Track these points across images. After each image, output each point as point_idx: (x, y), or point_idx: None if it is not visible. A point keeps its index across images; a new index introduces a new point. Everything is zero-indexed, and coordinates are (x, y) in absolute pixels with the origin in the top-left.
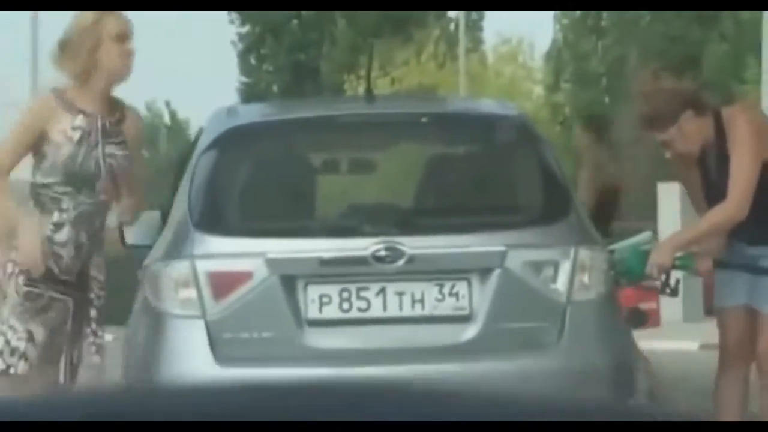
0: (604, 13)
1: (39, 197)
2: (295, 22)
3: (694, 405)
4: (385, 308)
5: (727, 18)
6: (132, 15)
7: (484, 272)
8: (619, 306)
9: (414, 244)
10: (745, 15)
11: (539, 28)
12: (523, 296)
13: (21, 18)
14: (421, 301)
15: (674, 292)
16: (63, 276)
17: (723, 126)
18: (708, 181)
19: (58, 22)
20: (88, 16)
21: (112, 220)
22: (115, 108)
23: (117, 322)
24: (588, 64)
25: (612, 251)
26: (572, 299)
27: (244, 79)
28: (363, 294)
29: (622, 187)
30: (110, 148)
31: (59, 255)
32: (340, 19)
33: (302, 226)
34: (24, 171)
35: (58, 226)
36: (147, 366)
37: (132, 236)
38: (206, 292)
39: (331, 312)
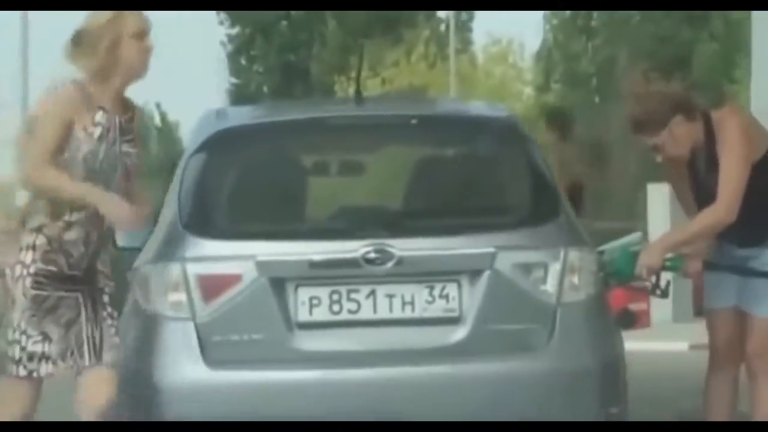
0: (594, 14)
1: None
2: (284, 23)
3: (684, 405)
4: (375, 310)
5: (717, 18)
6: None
7: (474, 274)
8: (608, 307)
9: (404, 246)
10: (735, 15)
11: (529, 29)
12: (513, 298)
13: (11, 18)
14: (412, 303)
15: (664, 294)
16: (71, 273)
17: (712, 129)
18: (697, 183)
19: (48, 21)
20: (106, 12)
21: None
22: (128, 106)
23: None
24: (578, 64)
25: (602, 252)
26: (562, 301)
27: (234, 81)
28: (353, 296)
29: (585, 184)
30: (126, 147)
31: (69, 253)
32: (330, 19)
33: (292, 229)
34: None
35: (69, 224)
36: (137, 369)
37: (122, 238)
38: (196, 295)
39: (322, 314)
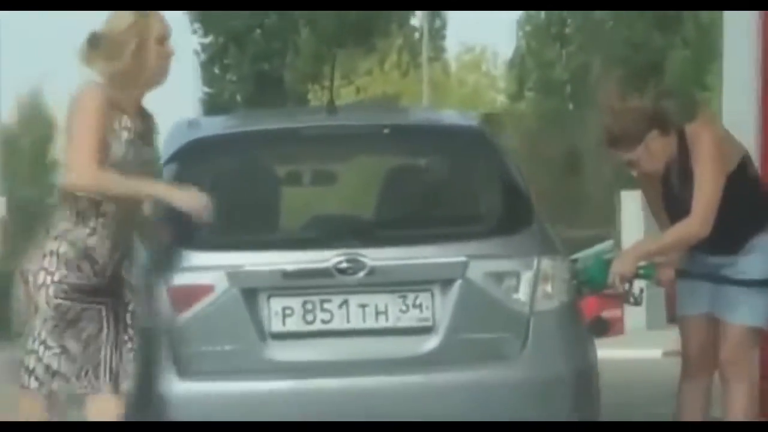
0: (568, 20)
1: (76, 200)
2: (258, 31)
3: (658, 412)
4: (348, 320)
5: (689, 23)
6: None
7: (447, 283)
8: (581, 315)
9: (376, 256)
10: (707, 21)
11: (502, 36)
12: (486, 307)
13: None
14: (385, 312)
15: (638, 301)
16: (95, 281)
17: (686, 142)
18: (671, 196)
19: (18, 21)
20: (129, 14)
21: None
22: (145, 113)
23: None
24: (551, 71)
25: (574, 260)
26: (535, 309)
27: (207, 90)
28: (326, 306)
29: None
30: (147, 151)
31: (94, 260)
32: (303, 28)
33: (264, 239)
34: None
35: (93, 230)
36: None
37: None
38: (167, 306)
39: (294, 324)
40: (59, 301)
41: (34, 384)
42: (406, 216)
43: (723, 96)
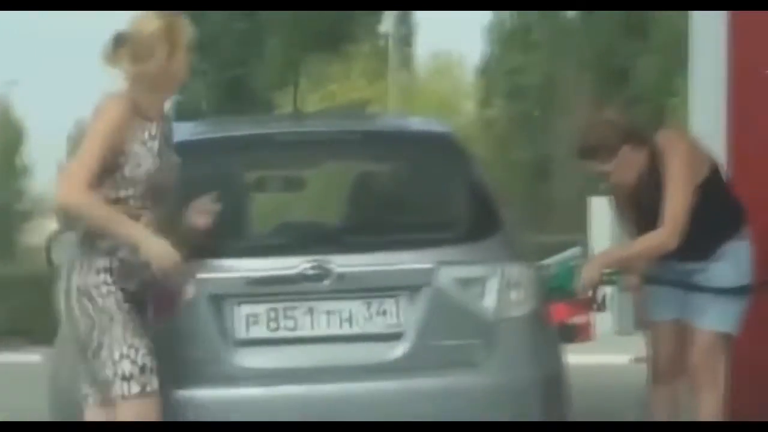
0: (535, 27)
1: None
2: (226, 39)
3: (628, 418)
4: (313, 327)
5: (657, 29)
6: (64, 33)
7: (413, 290)
8: (549, 321)
9: (343, 263)
10: (675, 27)
11: (470, 43)
12: (453, 313)
13: None
14: (350, 319)
15: (602, 307)
16: (141, 288)
17: (657, 153)
18: (642, 206)
19: None
20: (159, 16)
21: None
22: (165, 116)
23: (45, 343)
24: (520, 78)
25: (542, 267)
26: (502, 316)
27: (176, 97)
28: (291, 313)
29: None
30: (174, 156)
31: (141, 275)
32: (270, 36)
33: (231, 246)
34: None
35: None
36: (73, 388)
37: (59, 257)
38: None
39: (259, 332)
40: (129, 303)
41: (135, 389)
42: (374, 222)
43: (690, 102)
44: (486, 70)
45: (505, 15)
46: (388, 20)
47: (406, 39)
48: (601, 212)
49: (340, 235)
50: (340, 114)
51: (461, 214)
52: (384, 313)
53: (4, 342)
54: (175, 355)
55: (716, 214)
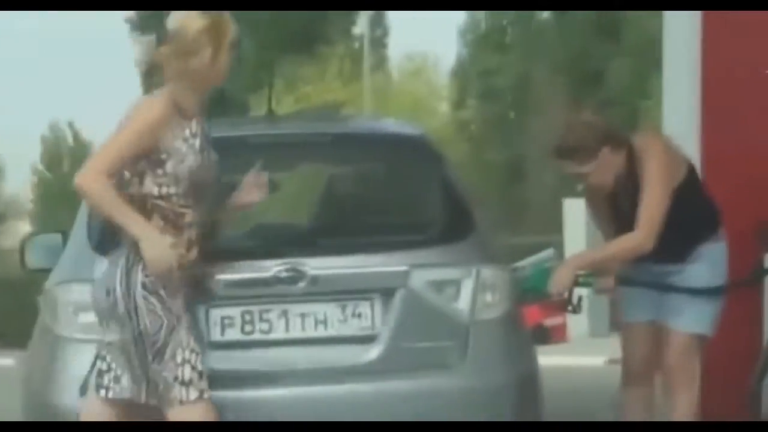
0: (509, 29)
1: (162, 210)
2: None
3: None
4: (287, 330)
5: (630, 32)
6: (33, 36)
7: (387, 292)
8: (523, 324)
9: (317, 265)
10: (648, 30)
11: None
12: (427, 316)
13: None
14: (324, 322)
15: (576, 309)
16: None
17: (634, 156)
18: (617, 208)
19: None
20: (205, 14)
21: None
22: (203, 112)
23: (18, 346)
24: (494, 80)
25: (516, 269)
26: (475, 318)
27: None
28: (265, 316)
29: None
30: (213, 155)
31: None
32: (243, 37)
33: (205, 248)
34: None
35: (191, 243)
36: (46, 391)
37: (32, 259)
38: None
39: (234, 334)
40: (190, 306)
41: (194, 394)
42: (348, 225)
43: (664, 103)
44: (460, 72)
45: (480, 16)
46: (362, 22)
47: (380, 41)
48: (575, 214)
49: (314, 237)
50: (314, 116)
51: (435, 217)
52: (358, 315)
53: None
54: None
55: (692, 215)
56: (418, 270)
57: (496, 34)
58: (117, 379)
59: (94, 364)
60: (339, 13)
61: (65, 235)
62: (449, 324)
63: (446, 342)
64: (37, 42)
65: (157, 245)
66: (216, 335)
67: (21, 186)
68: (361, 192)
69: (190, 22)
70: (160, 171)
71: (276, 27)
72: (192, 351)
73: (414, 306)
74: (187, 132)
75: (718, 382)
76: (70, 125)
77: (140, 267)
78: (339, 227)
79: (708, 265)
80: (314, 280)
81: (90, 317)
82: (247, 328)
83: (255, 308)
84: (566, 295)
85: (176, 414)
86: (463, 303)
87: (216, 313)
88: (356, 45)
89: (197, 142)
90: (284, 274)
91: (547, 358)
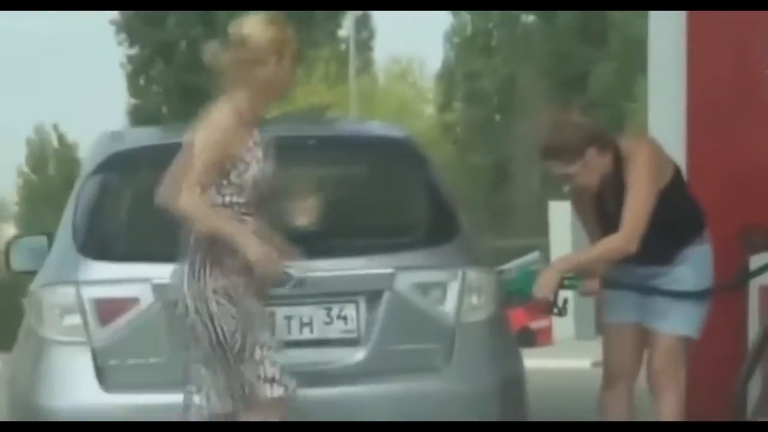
0: (494, 32)
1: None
2: (184, 42)
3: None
4: (273, 332)
5: (615, 36)
6: (19, 37)
7: (373, 295)
8: (508, 326)
9: (302, 267)
10: (633, 33)
11: (430, 48)
12: (412, 318)
13: None
14: (310, 324)
15: (562, 312)
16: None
17: (621, 157)
18: (602, 209)
19: None
20: (275, 25)
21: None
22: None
23: (3, 348)
24: (479, 83)
25: (501, 271)
26: (461, 321)
27: (134, 101)
28: None
29: None
30: (271, 165)
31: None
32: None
33: None
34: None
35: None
36: (31, 393)
37: (17, 262)
38: (92, 318)
39: None
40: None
41: (279, 390)
42: (334, 227)
43: (650, 106)
44: (446, 75)
45: (466, 19)
46: (348, 24)
47: (366, 43)
48: (561, 217)
49: (299, 239)
50: (299, 118)
51: (420, 219)
52: (344, 318)
53: None
54: (133, 360)
55: (677, 218)
56: (403, 272)
57: (481, 37)
58: (207, 398)
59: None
60: (325, 16)
61: (50, 238)
62: (435, 326)
63: (432, 344)
64: (21, 44)
65: (258, 249)
66: None
67: (6, 188)
68: (346, 194)
69: (257, 31)
70: (224, 181)
71: None
72: (269, 348)
73: (399, 308)
74: (251, 141)
75: (704, 384)
76: (55, 128)
77: (209, 273)
78: (325, 230)
79: (693, 267)
80: (300, 282)
81: (75, 319)
82: None
83: None
84: (552, 297)
85: (264, 411)
86: (449, 306)
87: None
88: (342, 47)
89: (259, 151)
90: None
91: (533, 361)
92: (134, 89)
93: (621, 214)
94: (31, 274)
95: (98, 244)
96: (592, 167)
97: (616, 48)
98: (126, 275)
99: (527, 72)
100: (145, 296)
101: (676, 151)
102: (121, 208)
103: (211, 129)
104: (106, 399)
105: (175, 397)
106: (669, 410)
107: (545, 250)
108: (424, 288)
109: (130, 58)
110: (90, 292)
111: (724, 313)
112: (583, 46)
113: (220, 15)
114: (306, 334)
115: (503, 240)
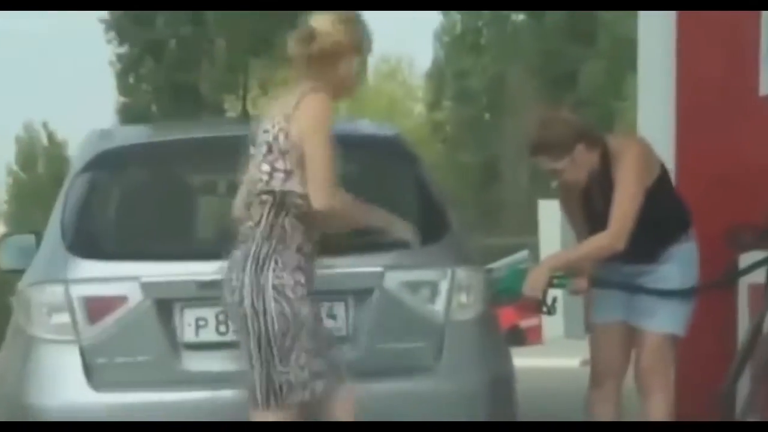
0: (484, 31)
1: (299, 208)
2: (173, 41)
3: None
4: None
5: (605, 35)
6: (9, 34)
7: (362, 293)
8: (497, 325)
9: None
10: (622, 32)
11: (419, 47)
12: (401, 317)
13: None
14: None
15: (551, 311)
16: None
17: (609, 155)
18: (590, 207)
19: None
20: (350, 21)
21: None
22: None
23: None
24: (468, 81)
25: (490, 270)
26: (450, 319)
27: (123, 99)
28: None
29: None
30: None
31: (313, 275)
32: (217, 38)
33: (179, 249)
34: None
35: (310, 241)
36: (20, 392)
37: (6, 260)
38: (80, 317)
39: (208, 335)
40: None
41: (308, 395)
42: None
43: (639, 105)
44: (435, 73)
45: (456, 18)
46: None
47: None
48: (550, 215)
49: None
50: None
51: (410, 217)
52: (333, 316)
53: None
54: (122, 358)
55: (664, 216)
56: (392, 271)
57: (471, 35)
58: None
59: None
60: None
61: (39, 236)
62: (424, 325)
63: (421, 343)
64: (9, 42)
65: (401, 223)
66: (190, 336)
67: None
68: None
69: (335, 27)
70: (297, 171)
71: (249, 29)
72: (306, 352)
73: (388, 307)
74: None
75: (692, 383)
76: (45, 125)
77: (272, 267)
78: None
79: (679, 265)
80: None
81: (63, 318)
82: (222, 328)
83: None
84: (542, 296)
85: (290, 414)
86: (438, 304)
87: (190, 314)
88: None
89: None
90: None
91: (523, 360)
92: (123, 87)
93: (609, 212)
94: (20, 272)
95: (87, 242)
96: (580, 163)
97: (605, 47)
98: (114, 273)
99: (516, 71)
100: (134, 294)
101: (665, 149)
102: (110, 206)
103: (322, 124)
104: (94, 397)
105: (164, 396)
106: (657, 410)
107: (534, 248)
108: (414, 286)
109: (119, 57)
110: (78, 291)
111: (713, 312)
112: (573, 44)
113: (209, 15)
114: None
115: (493, 238)
